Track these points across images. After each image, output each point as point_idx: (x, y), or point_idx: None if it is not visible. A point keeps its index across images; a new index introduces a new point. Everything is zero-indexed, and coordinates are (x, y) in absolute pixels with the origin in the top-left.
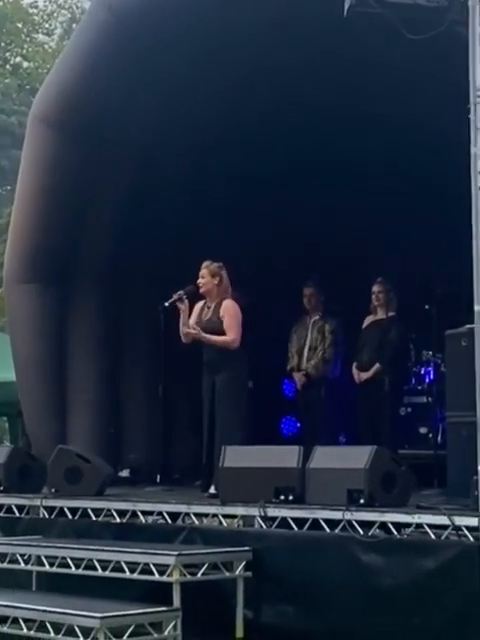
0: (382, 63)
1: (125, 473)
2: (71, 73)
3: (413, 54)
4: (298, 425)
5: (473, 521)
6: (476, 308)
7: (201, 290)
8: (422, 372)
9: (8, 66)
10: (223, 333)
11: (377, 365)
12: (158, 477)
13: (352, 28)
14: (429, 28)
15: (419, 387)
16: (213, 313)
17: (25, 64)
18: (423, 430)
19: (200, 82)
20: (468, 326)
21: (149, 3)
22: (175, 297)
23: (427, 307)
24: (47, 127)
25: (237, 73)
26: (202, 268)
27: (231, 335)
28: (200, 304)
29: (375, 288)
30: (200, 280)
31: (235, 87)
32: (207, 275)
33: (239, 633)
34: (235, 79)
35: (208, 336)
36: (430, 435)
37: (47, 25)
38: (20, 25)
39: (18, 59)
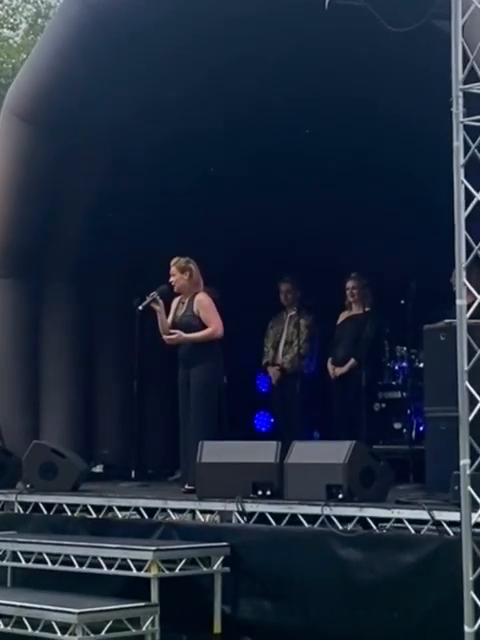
0: (356, 58)
1: (98, 468)
2: (45, 65)
3: (390, 48)
4: (272, 420)
5: (454, 516)
6: (458, 302)
7: (174, 288)
8: (396, 368)
9: None
10: (201, 327)
11: (352, 360)
12: (133, 473)
13: (330, 21)
14: (411, 21)
15: (393, 382)
16: (187, 308)
17: None
18: (398, 425)
19: (174, 77)
20: (447, 321)
21: None
22: (149, 299)
23: (402, 302)
24: (21, 120)
25: (212, 68)
26: (171, 265)
27: (212, 326)
28: (176, 300)
29: (349, 284)
30: (171, 278)
31: (210, 82)
32: (177, 271)
33: (217, 628)
34: (210, 74)
35: (191, 335)
36: (405, 430)
37: (12, 20)
38: None
39: None
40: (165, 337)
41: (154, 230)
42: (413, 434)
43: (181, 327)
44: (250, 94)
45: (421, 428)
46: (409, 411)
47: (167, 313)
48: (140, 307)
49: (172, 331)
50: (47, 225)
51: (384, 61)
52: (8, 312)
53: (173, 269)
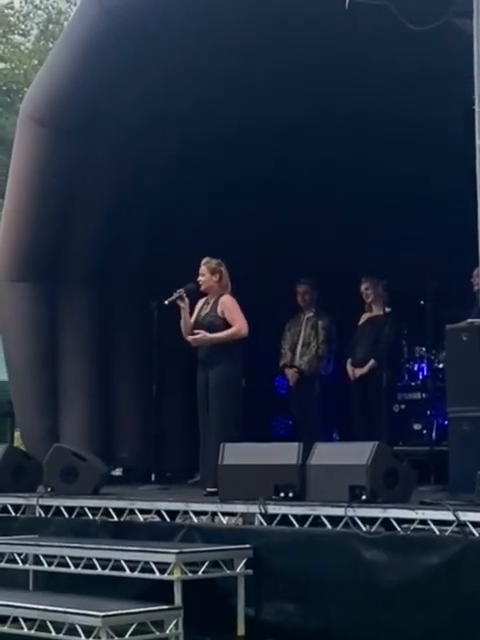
0: (371, 61)
1: (118, 472)
2: (61, 70)
3: (407, 49)
4: (290, 423)
5: (479, 516)
6: None
7: (202, 287)
8: (415, 368)
9: None
10: (223, 328)
11: (372, 361)
12: (153, 476)
13: (347, 25)
14: (431, 20)
15: (412, 383)
16: (211, 308)
17: (1, 65)
18: (417, 426)
19: (191, 82)
20: (469, 320)
21: (141, 1)
22: (175, 295)
23: (422, 302)
24: (37, 125)
25: (231, 73)
26: (201, 265)
27: (236, 325)
28: (201, 301)
29: (362, 286)
30: (200, 277)
31: (225, 89)
32: (207, 272)
33: (240, 631)
34: (226, 81)
35: (215, 335)
36: (424, 431)
37: (23, 26)
38: None
39: None
40: (189, 337)
41: (171, 233)
42: (433, 435)
43: (203, 327)
44: (265, 100)
45: (441, 429)
46: (429, 412)
47: (191, 313)
48: (166, 302)
49: (196, 331)
50: (63, 228)
51: (399, 64)
52: (26, 315)
53: (203, 269)
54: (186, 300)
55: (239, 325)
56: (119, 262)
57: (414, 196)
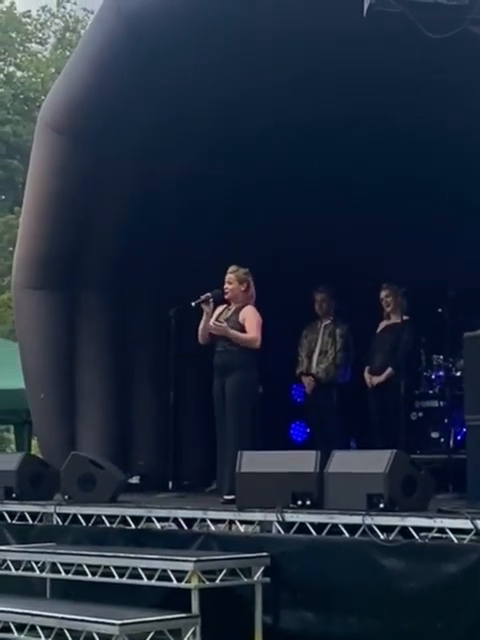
0: (388, 70)
1: (135, 480)
2: (79, 77)
3: (422, 59)
4: (308, 430)
5: None
6: None
7: (226, 295)
8: (433, 376)
9: (2, 76)
10: (243, 331)
11: (390, 369)
12: (170, 483)
13: (366, 33)
14: (449, 28)
15: (430, 391)
16: (232, 314)
17: (19, 73)
18: (435, 435)
19: (208, 89)
20: None
21: (159, 8)
22: (203, 298)
23: (440, 310)
24: (55, 133)
25: (248, 79)
26: (229, 273)
27: (252, 334)
28: (221, 308)
29: (382, 293)
30: (227, 285)
31: (243, 95)
32: (234, 280)
33: (258, 639)
34: (244, 87)
35: (234, 332)
36: (442, 439)
37: (40, 34)
38: (14, 35)
39: (12, 68)
40: (211, 322)
41: (188, 240)
42: (451, 443)
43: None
44: (283, 107)
45: (459, 437)
46: (446, 420)
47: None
48: (193, 303)
49: (219, 321)
50: (80, 236)
51: (416, 72)
52: (42, 323)
53: (231, 277)
54: (211, 305)
55: (255, 335)
56: (136, 270)
57: (432, 204)
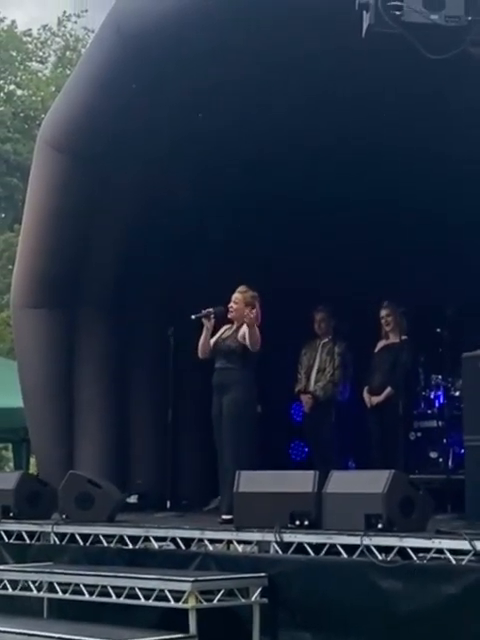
0: (388, 92)
1: (133, 499)
2: (79, 96)
3: (422, 79)
4: (306, 450)
5: None
6: None
7: (230, 314)
8: (432, 396)
9: (2, 94)
10: (239, 354)
11: (389, 389)
12: (168, 503)
13: (363, 57)
14: (448, 49)
15: (429, 411)
16: (233, 333)
17: (19, 92)
18: (434, 454)
19: (211, 108)
20: None
21: (159, 27)
22: (204, 312)
23: (438, 330)
24: (55, 151)
25: (249, 100)
26: (237, 293)
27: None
28: (225, 327)
29: (383, 312)
30: (232, 305)
31: (247, 115)
32: (240, 302)
33: None
34: (247, 107)
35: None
36: (441, 459)
37: (41, 53)
38: (14, 53)
39: (12, 87)
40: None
41: (188, 259)
42: (449, 463)
43: (221, 350)
44: (285, 128)
45: (458, 457)
46: (445, 440)
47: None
48: (193, 316)
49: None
50: (80, 255)
51: (416, 94)
52: (42, 342)
53: (238, 297)
54: (212, 321)
55: (257, 338)
56: (135, 288)
57: (432, 224)
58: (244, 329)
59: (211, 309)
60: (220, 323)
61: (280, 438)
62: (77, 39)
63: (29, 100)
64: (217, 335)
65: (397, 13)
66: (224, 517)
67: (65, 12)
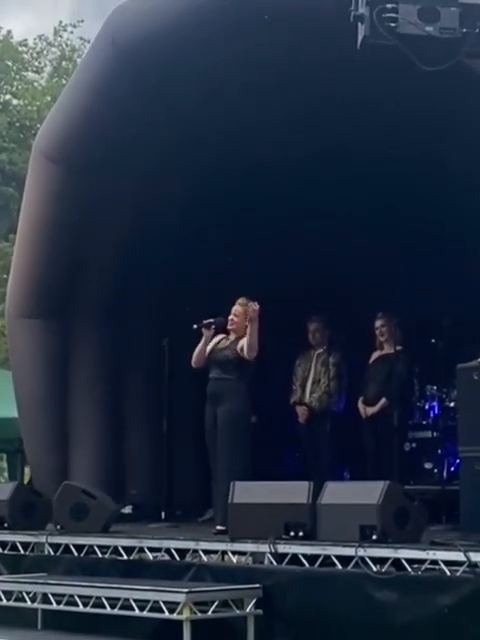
0: (385, 102)
1: (127, 509)
2: (74, 108)
3: (419, 89)
4: (301, 460)
5: None
6: None
7: (230, 326)
8: (426, 407)
9: None
10: (234, 365)
11: (383, 400)
12: (163, 513)
13: (355, 68)
14: (443, 60)
15: (424, 422)
16: (231, 343)
17: (15, 101)
18: (428, 465)
19: (203, 120)
20: None
21: (153, 39)
22: (206, 322)
23: (433, 341)
24: (50, 162)
25: (245, 111)
26: (237, 305)
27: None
28: (220, 336)
29: (377, 323)
30: (232, 317)
31: (242, 125)
32: (241, 315)
33: None
34: (243, 117)
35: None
36: (435, 470)
37: (37, 63)
38: (10, 63)
39: (8, 96)
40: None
41: (183, 269)
42: (444, 474)
43: (217, 360)
44: (282, 137)
45: (452, 468)
46: (440, 451)
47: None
48: (195, 326)
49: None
50: (75, 265)
51: (413, 104)
52: (36, 352)
53: (239, 310)
54: (212, 331)
55: (255, 349)
56: (130, 299)
57: (428, 235)
58: (243, 341)
59: (212, 319)
60: (218, 334)
61: (275, 449)
62: (73, 49)
63: (25, 110)
64: (212, 344)
65: (392, 25)
66: (218, 528)
67: (61, 22)
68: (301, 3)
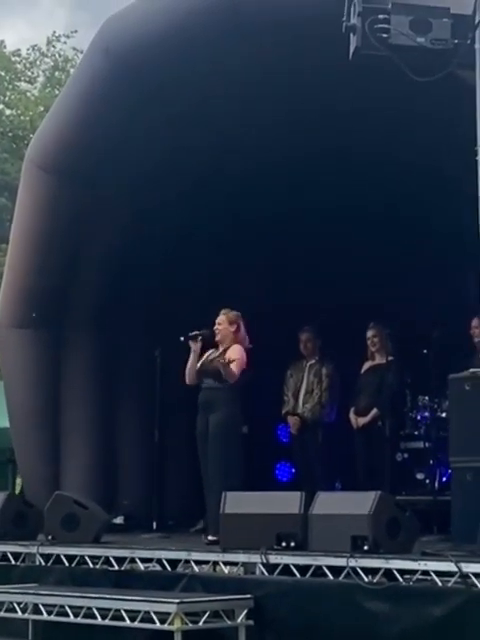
0: (381, 108)
1: (119, 520)
2: (67, 118)
3: (413, 99)
4: (293, 471)
5: None
6: None
7: (217, 337)
8: (418, 417)
9: None
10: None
11: (375, 410)
12: (154, 523)
13: (352, 74)
14: (434, 71)
15: (415, 432)
16: (219, 355)
17: (7, 111)
18: (420, 476)
19: (196, 129)
20: (472, 370)
21: (147, 49)
22: (192, 334)
23: (425, 351)
24: (42, 171)
25: (234, 120)
26: (220, 314)
27: (233, 367)
28: (211, 351)
29: (369, 333)
30: (217, 326)
31: (232, 133)
32: (225, 322)
33: None
34: (232, 126)
35: (227, 361)
36: (427, 481)
37: (30, 73)
38: (3, 73)
39: (0, 106)
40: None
41: (175, 279)
42: (436, 484)
43: (206, 370)
44: (270, 146)
45: (444, 479)
46: (432, 461)
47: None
48: (182, 338)
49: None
50: (67, 275)
51: (404, 114)
52: (28, 362)
53: (222, 318)
54: (199, 343)
55: (236, 370)
56: (122, 309)
57: (419, 245)
58: (229, 352)
59: (198, 331)
60: (207, 347)
61: (266, 459)
62: (66, 59)
63: (17, 120)
64: (203, 358)
65: (384, 36)
66: (210, 538)
67: (54, 32)
68: (299, 11)
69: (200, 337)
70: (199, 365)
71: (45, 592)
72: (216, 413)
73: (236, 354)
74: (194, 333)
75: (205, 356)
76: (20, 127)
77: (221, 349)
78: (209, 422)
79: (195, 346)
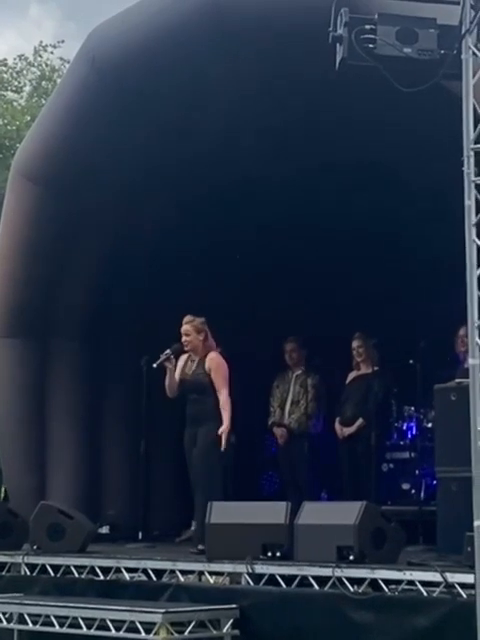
0: (366, 120)
1: (105, 530)
2: (53, 127)
3: (401, 110)
4: (279, 481)
5: (467, 578)
6: (471, 362)
7: (186, 347)
8: (404, 427)
9: None
10: (211, 385)
11: (360, 420)
12: (140, 533)
13: (340, 86)
14: (421, 81)
15: (401, 442)
16: (197, 366)
17: None
18: (406, 486)
19: (186, 139)
20: (457, 380)
21: (132, 59)
22: (163, 357)
23: (411, 362)
24: (28, 182)
25: (223, 132)
26: (185, 324)
27: (224, 393)
28: (184, 357)
29: (354, 343)
30: (185, 337)
31: (220, 145)
32: (192, 331)
33: None
34: (220, 137)
35: (225, 421)
36: (413, 491)
37: (16, 83)
38: None
39: None
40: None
41: (162, 289)
42: (421, 495)
43: (191, 384)
44: (256, 160)
45: (430, 489)
46: (417, 471)
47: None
48: (154, 365)
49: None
50: (54, 285)
51: (391, 126)
52: (15, 371)
53: (188, 328)
54: (173, 361)
55: (225, 396)
56: (109, 319)
57: (405, 256)
58: (208, 363)
59: (168, 351)
60: (178, 356)
61: (253, 470)
62: (53, 69)
63: (4, 129)
64: (179, 369)
65: (370, 46)
66: (199, 547)
67: (42, 42)
68: (284, 22)
69: (171, 356)
70: (179, 380)
71: (30, 602)
72: (204, 426)
73: (215, 364)
74: (165, 355)
75: (181, 367)
76: (7, 137)
77: (196, 359)
78: (197, 435)
79: (170, 365)
